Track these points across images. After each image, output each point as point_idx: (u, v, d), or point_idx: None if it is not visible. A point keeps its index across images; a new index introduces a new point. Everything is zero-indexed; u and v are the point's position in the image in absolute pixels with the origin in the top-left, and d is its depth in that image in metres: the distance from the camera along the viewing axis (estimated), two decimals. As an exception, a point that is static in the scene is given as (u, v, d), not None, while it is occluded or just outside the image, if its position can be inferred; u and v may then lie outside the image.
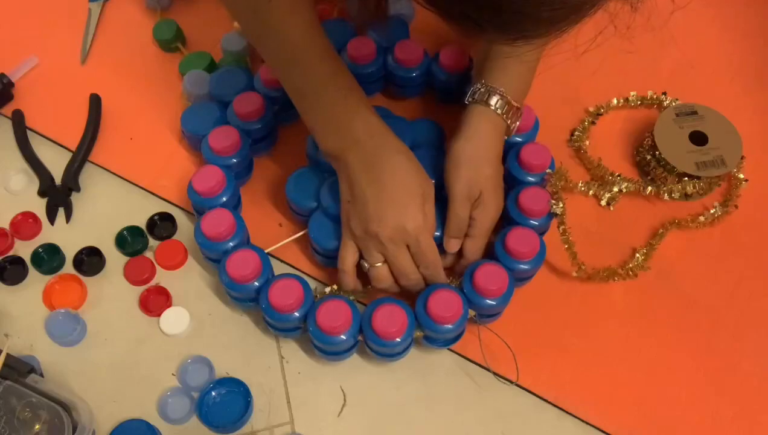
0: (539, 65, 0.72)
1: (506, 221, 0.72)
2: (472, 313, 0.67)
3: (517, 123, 0.71)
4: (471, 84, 0.72)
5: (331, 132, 0.67)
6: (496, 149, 0.70)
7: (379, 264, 0.67)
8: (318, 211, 0.72)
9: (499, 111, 0.69)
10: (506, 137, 0.72)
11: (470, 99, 0.70)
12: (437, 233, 0.70)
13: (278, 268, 0.74)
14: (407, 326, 0.65)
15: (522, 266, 0.68)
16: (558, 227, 0.71)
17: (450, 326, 0.65)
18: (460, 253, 0.71)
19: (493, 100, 0.69)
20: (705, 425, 0.68)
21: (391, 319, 0.64)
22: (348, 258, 0.68)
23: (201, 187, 0.71)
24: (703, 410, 0.68)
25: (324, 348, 0.67)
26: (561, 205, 0.70)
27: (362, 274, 0.70)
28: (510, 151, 0.74)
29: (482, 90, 0.69)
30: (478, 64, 0.73)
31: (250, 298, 0.69)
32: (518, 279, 0.70)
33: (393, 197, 0.64)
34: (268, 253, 0.71)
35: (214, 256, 0.70)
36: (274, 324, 0.68)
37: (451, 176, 0.68)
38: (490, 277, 0.66)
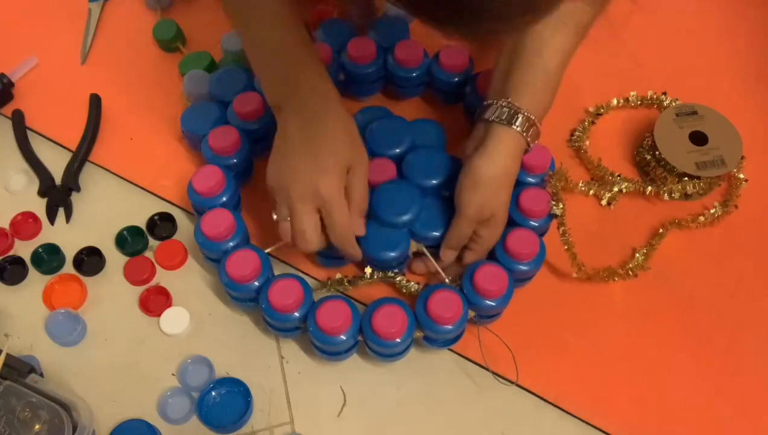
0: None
1: (507, 222, 0.72)
2: (471, 313, 0.67)
3: (536, 142, 0.69)
4: (487, 97, 0.69)
5: (280, 84, 0.67)
6: (514, 173, 0.68)
7: (287, 222, 0.66)
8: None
9: (523, 133, 0.67)
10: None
11: (495, 118, 0.67)
12: (436, 233, 0.70)
13: (277, 268, 0.74)
14: (407, 327, 0.65)
15: (522, 267, 0.68)
16: (558, 228, 0.71)
17: (450, 327, 0.65)
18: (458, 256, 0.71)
19: (518, 122, 0.66)
20: (705, 425, 0.68)
21: (391, 319, 0.64)
22: (274, 206, 0.68)
23: (201, 187, 0.71)
24: (703, 410, 0.68)
25: (324, 348, 0.67)
26: (561, 206, 0.70)
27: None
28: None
29: (508, 110, 0.67)
30: (499, 76, 0.70)
31: (250, 298, 0.69)
32: (518, 280, 0.70)
33: (317, 159, 0.64)
34: (268, 253, 0.70)
35: (214, 256, 0.70)
36: (274, 324, 0.68)
37: (465, 193, 0.67)
38: (490, 277, 0.66)
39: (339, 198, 0.64)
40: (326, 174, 0.63)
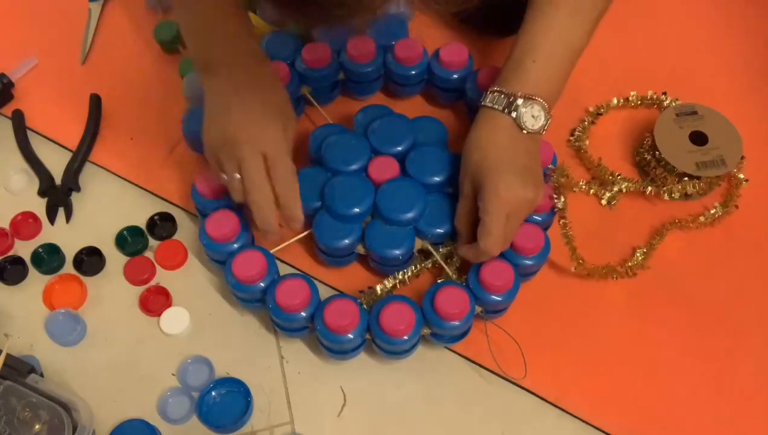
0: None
1: None
2: (478, 309, 0.67)
3: (548, 116, 0.69)
4: (496, 85, 0.69)
5: (207, 41, 0.69)
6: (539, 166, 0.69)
7: (235, 175, 0.65)
8: (322, 211, 0.72)
9: (541, 126, 0.67)
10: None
11: (489, 104, 0.68)
12: (440, 230, 0.70)
13: (282, 268, 0.74)
14: (415, 324, 0.65)
15: (527, 262, 0.69)
16: (559, 221, 0.71)
17: (457, 323, 0.65)
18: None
19: (513, 107, 0.67)
20: (705, 425, 0.68)
21: (398, 316, 0.65)
22: (216, 168, 0.67)
23: (204, 189, 0.71)
24: (703, 410, 0.68)
25: (332, 347, 0.67)
26: (562, 200, 0.70)
27: None
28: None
29: (505, 98, 0.67)
30: (510, 65, 0.70)
31: (256, 299, 0.69)
32: (523, 274, 0.71)
33: (257, 108, 0.66)
34: (273, 254, 0.70)
35: (219, 258, 0.70)
36: (282, 324, 0.68)
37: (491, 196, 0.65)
38: (496, 273, 0.66)
39: (285, 148, 0.66)
40: (269, 124, 0.65)
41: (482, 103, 0.69)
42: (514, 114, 0.66)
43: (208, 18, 0.69)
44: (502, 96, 0.67)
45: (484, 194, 0.65)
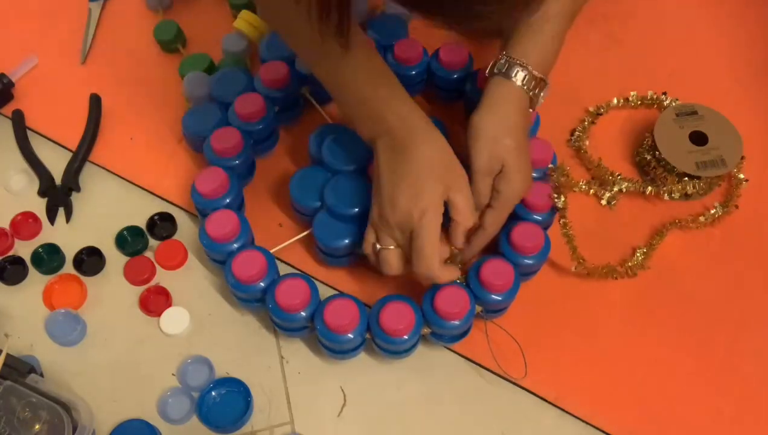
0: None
1: (510, 216, 0.72)
2: (478, 308, 0.67)
3: (543, 94, 0.69)
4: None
5: (366, 121, 0.67)
6: (517, 122, 0.68)
7: (390, 247, 0.66)
8: (322, 211, 0.72)
9: (519, 83, 0.67)
10: (531, 109, 0.70)
11: (491, 72, 0.68)
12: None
13: (281, 268, 0.74)
14: (415, 323, 0.65)
15: (527, 261, 0.69)
16: (559, 221, 0.71)
17: (457, 322, 0.65)
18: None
19: (514, 72, 0.67)
20: (705, 425, 0.68)
21: (398, 316, 0.65)
22: (367, 240, 0.68)
23: (204, 189, 0.71)
24: (703, 410, 0.68)
25: (332, 347, 0.67)
26: (563, 199, 0.70)
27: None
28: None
29: (503, 62, 0.68)
30: (504, 40, 0.71)
31: (256, 299, 0.69)
32: (524, 274, 0.71)
33: (409, 184, 0.64)
34: (273, 254, 0.70)
35: (219, 258, 0.70)
36: (282, 324, 0.68)
37: (470, 150, 0.67)
38: (496, 272, 0.66)
39: (431, 219, 0.64)
40: (420, 197, 0.63)
41: (513, 79, 0.67)
42: (540, 97, 0.69)
43: (359, 95, 0.67)
44: (533, 80, 0.68)
45: (511, 177, 0.66)
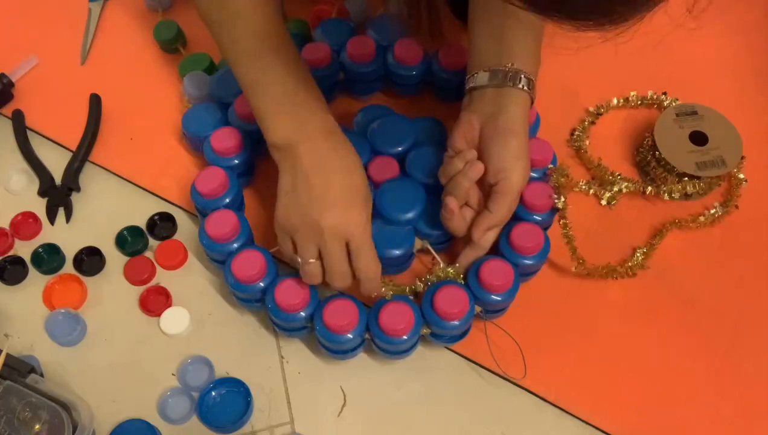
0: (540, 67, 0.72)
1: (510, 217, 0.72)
2: (478, 308, 0.67)
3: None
4: (473, 66, 0.70)
5: (286, 123, 0.66)
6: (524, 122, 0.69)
7: (312, 260, 0.64)
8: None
9: (530, 93, 0.68)
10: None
11: (510, 83, 0.67)
12: (440, 231, 0.70)
13: (281, 268, 0.74)
14: (414, 323, 0.65)
15: (527, 261, 0.69)
16: (559, 221, 0.71)
17: (457, 323, 0.65)
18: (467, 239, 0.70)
19: (524, 82, 0.67)
20: (705, 425, 0.68)
21: (398, 316, 0.65)
22: (288, 247, 0.67)
23: (204, 189, 0.71)
24: (703, 410, 0.68)
25: (331, 347, 0.67)
26: (562, 200, 0.70)
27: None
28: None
29: (520, 73, 0.67)
30: (484, 44, 0.70)
31: (256, 299, 0.69)
32: (523, 274, 0.71)
33: (340, 195, 0.64)
34: (273, 254, 0.70)
35: (219, 258, 0.70)
36: (281, 324, 0.68)
37: (509, 169, 0.66)
38: (496, 272, 0.66)
39: (365, 232, 0.65)
40: (353, 208, 0.64)
41: (523, 88, 0.67)
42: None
43: (284, 97, 0.67)
44: (530, 82, 0.68)
45: (512, 178, 0.66)
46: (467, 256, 0.69)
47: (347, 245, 0.64)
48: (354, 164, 0.66)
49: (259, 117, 0.68)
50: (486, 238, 0.68)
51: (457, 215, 0.67)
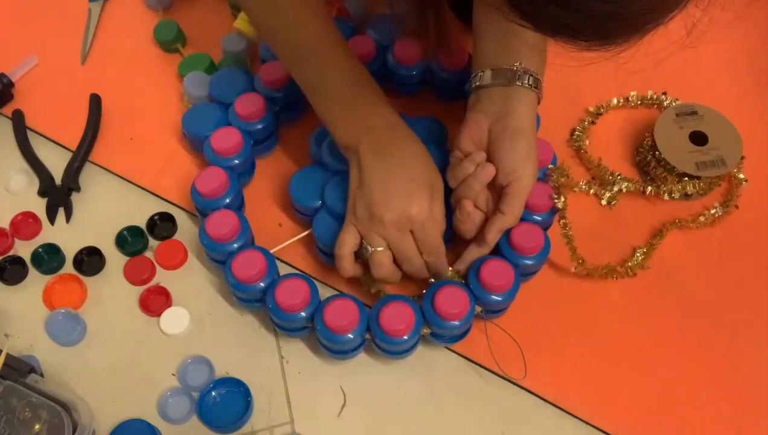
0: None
1: None
2: (478, 309, 0.67)
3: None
4: (478, 66, 0.70)
5: (347, 122, 0.68)
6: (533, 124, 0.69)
7: (380, 248, 0.66)
8: (322, 211, 0.72)
9: (538, 92, 0.68)
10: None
11: (519, 82, 0.67)
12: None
13: (281, 268, 0.74)
14: (414, 323, 0.65)
15: (527, 261, 0.69)
16: (558, 221, 0.71)
17: (457, 323, 0.65)
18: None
19: (532, 81, 0.68)
20: (705, 425, 0.68)
21: (398, 316, 0.65)
22: (347, 242, 0.67)
23: (204, 189, 0.71)
24: (703, 410, 0.68)
25: (332, 347, 0.67)
26: (562, 200, 0.70)
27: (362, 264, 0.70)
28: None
29: (528, 73, 0.68)
30: (488, 45, 0.71)
31: (256, 299, 0.69)
32: (524, 274, 0.71)
33: (401, 185, 0.65)
34: (273, 254, 0.70)
35: (219, 258, 0.70)
36: (281, 324, 0.68)
37: (520, 170, 0.66)
38: (496, 272, 0.66)
39: (429, 219, 0.66)
40: (414, 197, 0.65)
41: (531, 88, 0.68)
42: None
43: (342, 97, 0.68)
44: (537, 82, 0.68)
45: (524, 179, 0.66)
46: (472, 254, 0.69)
47: (412, 233, 0.66)
48: (414, 154, 0.67)
49: (324, 120, 0.70)
50: (492, 240, 0.69)
51: (470, 217, 0.68)
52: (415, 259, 0.67)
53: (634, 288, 0.74)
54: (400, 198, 0.65)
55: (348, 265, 0.68)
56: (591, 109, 0.85)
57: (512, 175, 0.66)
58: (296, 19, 0.67)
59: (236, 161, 0.75)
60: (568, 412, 0.68)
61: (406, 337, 0.65)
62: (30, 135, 0.84)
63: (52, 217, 0.79)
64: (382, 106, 0.69)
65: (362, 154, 0.67)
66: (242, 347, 0.72)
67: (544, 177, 0.73)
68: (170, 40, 0.89)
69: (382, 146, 0.66)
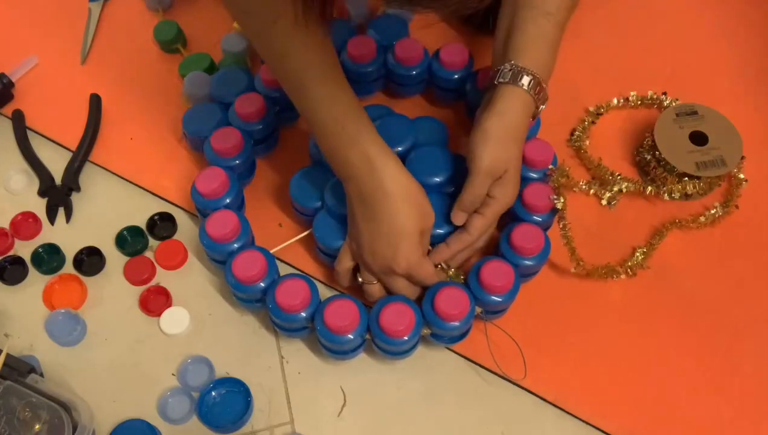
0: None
1: (510, 217, 0.72)
2: (478, 309, 0.67)
3: (543, 106, 0.70)
4: (492, 65, 0.71)
5: (332, 162, 0.67)
6: (524, 130, 0.69)
7: (372, 283, 0.69)
8: (322, 211, 0.72)
9: (530, 91, 0.67)
10: (532, 120, 0.71)
11: (501, 79, 0.67)
12: (440, 231, 0.70)
13: (282, 268, 0.74)
14: (415, 324, 0.65)
15: (527, 262, 0.69)
16: (558, 222, 0.71)
17: (457, 323, 0.65)
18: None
19: (525, 80, 0.67)
20: (705, 425, 0.68)
21: (398, 317, 0.65)
22: (344, 262, 0.70)
23: (205, 189, 0.71)
24: (703, 410, 0.68)
25: (332, 347, 0.67)
26: (562, 201, 0.70)
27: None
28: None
29: (514, 70, 0.67)
30: (500, 40, 0.71)
31: (256, 299, 0.69)
32: (524, 275, 0.71)
33: (385, 239, 0.65)
34: (273, 254, 0.70)
35: (220, 258, 0.70)
36: (281, 324, 0.68)
37: (477, 150, 0.66)
38: (496, 273, 0.66)
39: (419, 262, 0.66)
40: (398, 250, 0.65)
41: (522, 85, 0.67)
42: (539, 109, 0.69)
43: (325, 134, 0.66)
44: (538, 86, 0.68)
45: (508, 184, 0.67)
46: (456, 239, 0.69)
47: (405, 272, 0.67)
48: (397, 201, 0.64)
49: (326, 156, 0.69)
50: (473, 225, 0.68)
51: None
52: (405, 292, 0.68)
53: (634, 288, 0.74)
54: (384, 251, 0.65)
55: (346, 280, 0.71)
56: (591, 109, 0.85)
57: (469, 156, 0.67)
58: (283, 47, 0.65)
59: (236, 161, 0.75)
60: (568, 412, 0.68)
61: (406, 338, 0.65)
62: (30, 135, 0.84)
63: (52, 217, 0.79)
64: (364, 142, 0.65)
65: (350, 194, 0.67)
66: (242, 347, 0.72)
67: (544, 177, 0.73)
68: (170, 40, 0.89)
69: (365, 195, 0.65)
